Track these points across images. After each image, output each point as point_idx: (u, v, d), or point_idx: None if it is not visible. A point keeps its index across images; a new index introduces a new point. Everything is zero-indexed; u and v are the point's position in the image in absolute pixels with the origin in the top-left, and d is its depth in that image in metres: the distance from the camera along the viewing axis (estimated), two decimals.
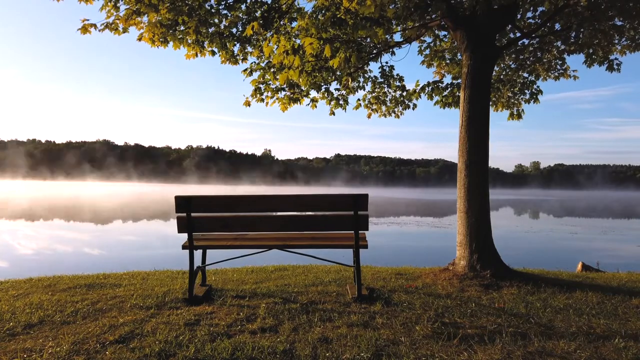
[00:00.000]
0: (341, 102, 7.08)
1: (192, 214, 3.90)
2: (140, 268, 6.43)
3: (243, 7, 5.80)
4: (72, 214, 25.00)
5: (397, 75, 7.19)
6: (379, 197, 58.79)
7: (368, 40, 6.11)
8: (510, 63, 6.99)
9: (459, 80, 6.95)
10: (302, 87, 6.60)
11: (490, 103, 6.53)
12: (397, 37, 6.60)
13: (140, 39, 5.44)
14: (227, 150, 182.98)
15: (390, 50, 6.68)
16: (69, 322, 3.32)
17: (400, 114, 7.65)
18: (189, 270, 3.95)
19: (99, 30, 5.20)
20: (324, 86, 6.78)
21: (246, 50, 6.35)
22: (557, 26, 5.93)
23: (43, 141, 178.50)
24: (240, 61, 6.40)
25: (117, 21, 5.23)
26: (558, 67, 6.85)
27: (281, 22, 5.90)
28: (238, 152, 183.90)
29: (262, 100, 6.61)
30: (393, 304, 3.85)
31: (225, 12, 5.75)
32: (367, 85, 7.26)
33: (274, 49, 5.29)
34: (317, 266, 6.07)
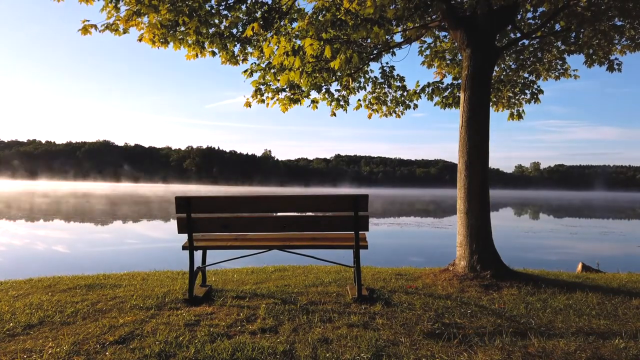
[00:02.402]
0: (342, 102, 7.07)
1: (192, 215, 3.90)
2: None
3: (243, 7, 5.80)
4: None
5: (398, 75, 7.19)
6: (379, 198, 58.80)
7: (368, 40, 6.11)
8: (511, 63, 6.99)
9: (460, 81, 6.95)
10: (303, 88, 6.60)
11: (491, 103, 6.54)
12: (398, 38, 6.60)
13: (140, 40, 5.44)
14: (227, 150, 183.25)
15: (391, 50, 6.68)
16: (68, 322, 3.32)
17: (401, 114, 7.65)
18: (189, 271, 3.95)
19: (100, 31, 5.20)
20: (325, 87, 6.78)
21: (246, 51, 6.35)
22: (557, 27, 5.93)
23: (43, 142, 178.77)
24: (240, 62, 6.40)
25: (118, 22, 5.23)
26: (558, 67, 6.86)
27: (281, 23, 5.89)
28: (238, 152, 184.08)
29: (263, 101, 6.60)
30: (393, 304, 3.84)
31: (225, 12, 5.75)
32: (367, 85, 7.26)
33: (274, 50, 5.29)
34: (317, 267, 6.07)
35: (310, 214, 4.11)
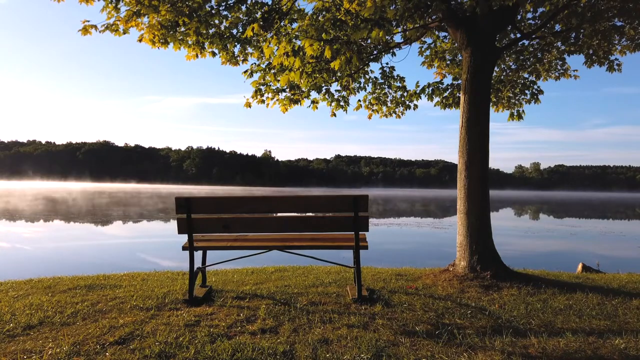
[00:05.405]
0: (342, 103, 7.07)
1: (192, 215, 3.90)
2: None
3: (243, 8, 5.81)
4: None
5: (398, 76, 7.18)
6: (379, 198, 58.77)
7: (368, 41, 6.11)
8: (511, 63, 6.99)
9: (460, 81, 6.95)
10: (303, 89, 6.60)
11: (491, 104, 6.54)
12: (398, 38, 6.60)
13: (140, 40, 5.44)
14: (227, 151, 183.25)
15: (391, 51, 6.68)
16: (68, 323, 3.32)
17: (401, 114, 7.64)
18: (189, 271, 3.95)
19: (100, 32, 5.20)
20: (325, 87, 6.77)
21: (247, 52, 6.35)
22: (557, 27, 5.93)
23: (43, 142, 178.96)
24: (240, 62, 6.40)
25: (118, 22, 5.23)
26: (558, 67, 6.85)
27: (281, 24, 5.90)
28: (238, 153, 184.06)
29: (263, 101, 6.60)
30: (393, 305, 3.84)
31: (225, 13, 5.76)
32: (367, 86, 7.25)
33: (274, 51, 5.29)
34: (317, 267, 6.07)
35: (310, 214, 4.11)
